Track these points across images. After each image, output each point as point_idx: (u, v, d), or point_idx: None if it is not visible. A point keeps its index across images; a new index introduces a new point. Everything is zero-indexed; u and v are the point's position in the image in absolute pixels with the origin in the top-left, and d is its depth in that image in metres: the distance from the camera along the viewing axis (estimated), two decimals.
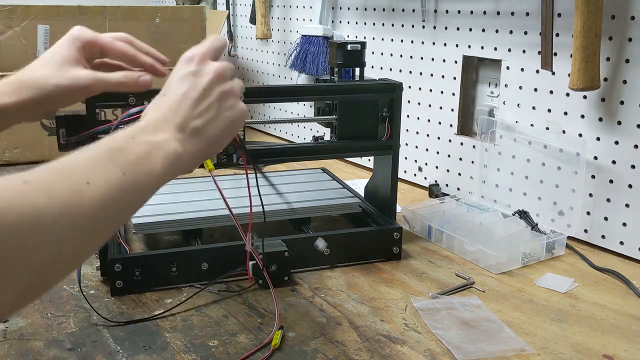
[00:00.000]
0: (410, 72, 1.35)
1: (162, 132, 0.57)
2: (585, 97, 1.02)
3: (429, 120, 1.32)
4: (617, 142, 0.99)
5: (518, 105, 1.14)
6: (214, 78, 0.63)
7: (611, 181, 1.00)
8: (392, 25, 1.38)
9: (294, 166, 1.36)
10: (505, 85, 1.16)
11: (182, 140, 0.58)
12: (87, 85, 0.71)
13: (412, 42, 1.34)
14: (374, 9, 1.42)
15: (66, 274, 0.45)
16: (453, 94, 1.26)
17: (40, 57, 0.71)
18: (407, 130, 1.37)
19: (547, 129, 1.09)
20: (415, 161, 1.37)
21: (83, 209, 0.44)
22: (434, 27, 1.28)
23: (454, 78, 1.25)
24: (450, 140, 1.28)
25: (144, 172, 0.52)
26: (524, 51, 1.11)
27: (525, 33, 1.10)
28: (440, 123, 1.30)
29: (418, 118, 1.35)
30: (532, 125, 1.11)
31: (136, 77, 0.75)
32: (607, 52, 0.97)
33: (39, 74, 0.69)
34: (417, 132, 1.35)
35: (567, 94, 1.05)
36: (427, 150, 1.34)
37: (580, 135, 1.04)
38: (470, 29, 1.20)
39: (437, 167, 1.32)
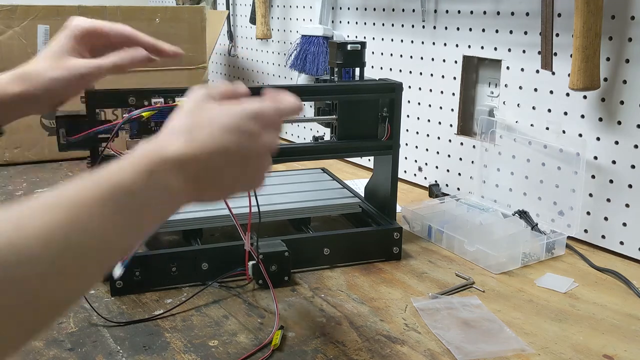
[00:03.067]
0: (410, 72, 1.35)
1: (182, 177, 0.48)
2: (585, 97, 1.02)
3: (429, 120, 1.32)
4: (617, 142, 0.99)
5: (518, 105, 1.14)
6: (267, 150, 0.54)
7: (611, 181, 1.00)
8: (392, 25, 1.38)
9: (294, 166, 1.36)
10: (505, 85, 1.16)
11: (196, 194, 0.50)
12: (83, 74, 0.68)
13: (412, 42, 1.34)
14: (374, 9, 1.42)
15: (42, 324, 0.38)
16: (453, 94, 1.26)
17: (43, 50, 0.70)
18: (407, 130, 1.37)
19: (547, 129, 1.09)
20: (415, 161, 1.37)
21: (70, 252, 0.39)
22: (434, 27, 1.28)
23: (454, 78, 1.25)
24: (450, 140, 1.28)
25: (143, 221, 0.46)
26: (524, 51, 1.11)
27: (525, 33, 1.10)
28: (440, 123, 1.30)
29: (418, 118, 1.35)
30: (532, 125, 1.11)
31: (130, 55, 0.71)
32: (607, 52, 0.97)
33: (38, 67, 0.68)
34: (417, 132, 1.35)
35: (567, 94, 1.05)
36: (427, 150, 1.34)
37: (580, 135, 1.04)
38: (470, 29, 1.20)
39: (437, 167, 1.32)
